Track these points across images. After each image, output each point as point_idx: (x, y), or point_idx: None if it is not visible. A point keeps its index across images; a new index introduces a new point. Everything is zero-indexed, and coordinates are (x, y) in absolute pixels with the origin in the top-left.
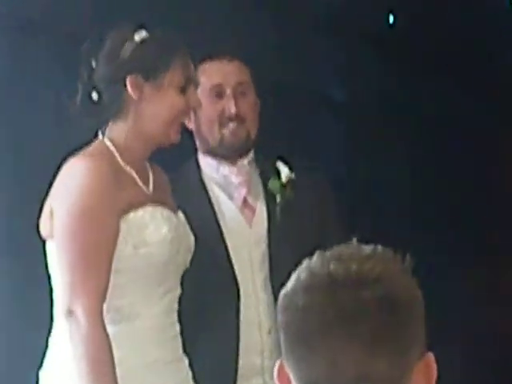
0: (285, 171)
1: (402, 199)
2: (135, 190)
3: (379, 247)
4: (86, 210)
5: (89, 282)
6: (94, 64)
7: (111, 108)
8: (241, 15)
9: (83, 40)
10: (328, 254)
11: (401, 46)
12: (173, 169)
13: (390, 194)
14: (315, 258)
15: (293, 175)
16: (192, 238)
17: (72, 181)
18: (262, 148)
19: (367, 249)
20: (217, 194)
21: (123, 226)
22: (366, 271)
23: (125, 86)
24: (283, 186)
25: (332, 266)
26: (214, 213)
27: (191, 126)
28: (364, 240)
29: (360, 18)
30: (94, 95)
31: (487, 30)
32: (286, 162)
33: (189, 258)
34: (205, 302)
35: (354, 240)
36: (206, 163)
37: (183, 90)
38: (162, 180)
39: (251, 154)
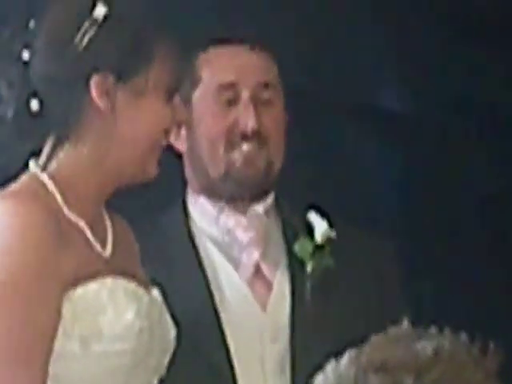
0: (321, 227)
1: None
2: (85, 251)
3: (446, 340)
4: (6, 281)
5: None
6: (26, 56)
7: (60, 123)
8: None
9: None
10: (364, 357)
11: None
12: (144, 219)
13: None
14: (345, 363)
15: (333, 233)
16: (172, 329)
17: None
18: (287, 188)
19: (427, 347)
20: (214, 257)
21: (66, 307)
22: (406, 358)
23: (85, 90)
24: (318, 248)
25: (372, 381)
26: (209, 288)
27: (181, 146)
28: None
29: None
30: (34, 104)
31: None
32: (322, 213)
33: (166, 360)
34: None
35: (405, 323)
36: (200, 209)
37: (170, 97)
38: (125, 237)
39: (271, 198)
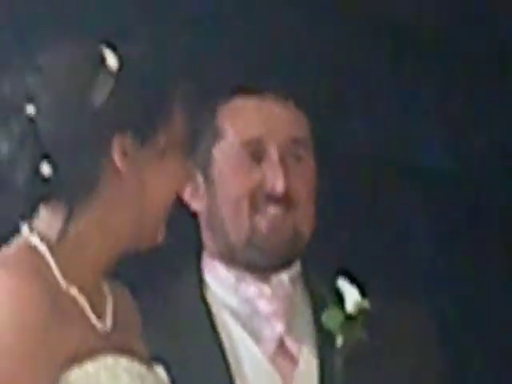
0: (352, 295)
1: None
2: (82, 326)
3: None
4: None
5: None
6: (31, 110)
7: (75, 188)
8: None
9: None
10: None
11: None
12: (153, 286)
13: None
14: None
15: (366, 303)
16: None
17: None
18: (314, 252)
19: None
20: (232, 330)
21: None
22: None
23: (103, 152)
24: (349, 319)
25: None
26: (226, 364)
27: (198, 206)
28: None
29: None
30: (46, 169)
31: None
32: (353, 280)
33: None
34: None
35: None
36: (217, 275)
37: (187, 153)
38: (126, 308)
39: (297, 265)
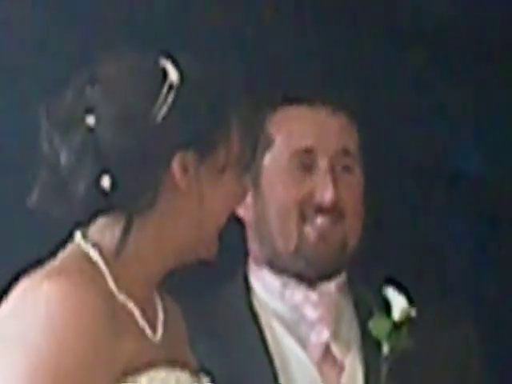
0: (399, 303)
1: None
2: (136, 337)
3: None
4: (57, 373)
5: None
6: (91, 121)
7: (134, 202)
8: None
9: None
10: None
11: None
12: (200, 294)
13: None
14: None
15: (413, 311)
16: None
17: (33, 319)
18: (360, 261)
19: None
20: (279, 336)
21: None
22: None
23: (164, 167)
24: (396, 327)
25: None
26: (274, 370)
27: (245, 214)
28: None
29: None
30: (106, 181)
31: None
32: (401, 288)
33: None
34: None
35: None
36: (264, 283)
37: (246, 169)
38: (176, 321)
39: (343, 274)
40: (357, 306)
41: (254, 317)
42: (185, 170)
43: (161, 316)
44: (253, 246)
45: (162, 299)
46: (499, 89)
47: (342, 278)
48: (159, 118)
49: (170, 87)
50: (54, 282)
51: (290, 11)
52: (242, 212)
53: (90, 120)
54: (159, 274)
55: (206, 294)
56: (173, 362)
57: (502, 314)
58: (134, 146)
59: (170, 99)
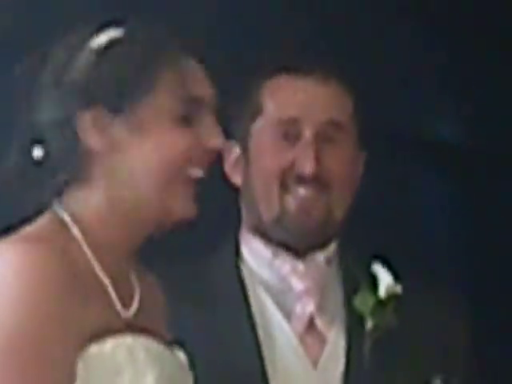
0: (385, 280)
1: None
2: (104, 307)
3: None
4: (15, 337)
5: None
6: (35, 98)
7: (65, 168)
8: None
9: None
10: None
11: None
12: (191, 258)
13: None
14: None
15: (398, 288)
16: None
17: None
18: (350, 236)
19: None
20: (264, 304)
21: (81, 367)
22: None
23: (75, 130)
24: (381, 304)
25: None
26: (256, 338)
27: (238, 179)
28: None
29: None
30: (37, 152)
31: None
32: (388, 265)
33: None
34: None
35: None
36: (253, 250)
37: (187, 120)
38: (152, 292)
39: (333, 247)
40: (344, 280)
41: (242, 284)
42: (98, 128)
43: (137, 291)
44: (243, 212)
45: (139, 274)
46: (478, 51)
47: (331, 250)
48: (75, 77)
49: (93, 50)
50: (18, 250)
51: None
52: (234, 178)
53: (35, 97)
54: (129, 243)
55: (198, 260)
56: (142, 332)
57: (489, 289)
58: (57, 110)
59: (85, 62)
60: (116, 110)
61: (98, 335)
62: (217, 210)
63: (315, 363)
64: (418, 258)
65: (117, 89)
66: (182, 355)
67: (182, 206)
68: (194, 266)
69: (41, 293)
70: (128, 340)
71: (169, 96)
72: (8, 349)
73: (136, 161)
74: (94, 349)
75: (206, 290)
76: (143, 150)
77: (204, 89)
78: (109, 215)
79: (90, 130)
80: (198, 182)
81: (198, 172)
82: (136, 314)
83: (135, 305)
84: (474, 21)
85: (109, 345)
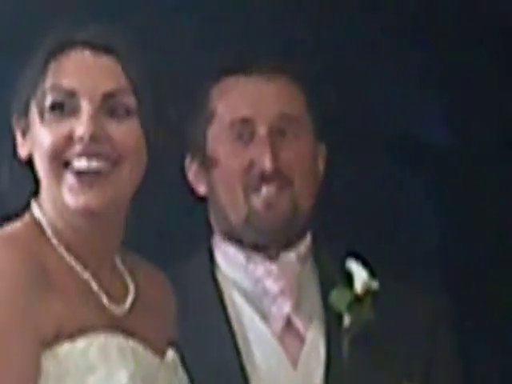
0: (361, 276)
1: None
2: (89, 303)
3: None
4: None
5: None
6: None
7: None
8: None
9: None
10: None
11: None
12: (166, 267)
13: None
14: None
15: (375, 284)
16: None
17: None
18: (325, 233)
19: None
20: (241, 309)
21: (52, 364)
22: None
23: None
24: (357, 300)
25: None
26: (235, 343)
27: (202, 188)
28: None
29: None
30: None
31: None
32: (363, 261)
33: None
34: None
35: None
36: (227, 255)
37: (58, 112)
38: (156, 296)
39: (306, 243)
40: (320, 277)
41: (217, 289)
42: (19, 132)
43: (131, 291)
44: (212, 219)
45: (138, 275)
46: (463, 54)
47: (303, 248)
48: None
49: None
50: None
51: None
52: (198, 187)
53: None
54: (86, 239)
55: (172, 268)
56: (131, 334)
57: (467, 285)
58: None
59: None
60: (19, 113)
61: (72, 330)
62: (190, 218)
63: (295, 363)
64: (394, 256)
65: (24, 91)
66: (170, 355)
67: (71, 197)
68: (170, 273)
69: (4, 287)
70: (101, 339)
71: (41, 89)
72: None
73: (36, 158)
74: (65, 346)
75: (181, 297)
76: (33, 149)
77: (77, 81)
78: (59, 216)
79: (19, 138)
80: (95, 173)
81: (79, 162)
82: (128, 313)
83: (127, 305)
84: (459, 20)
85: (81, 343)
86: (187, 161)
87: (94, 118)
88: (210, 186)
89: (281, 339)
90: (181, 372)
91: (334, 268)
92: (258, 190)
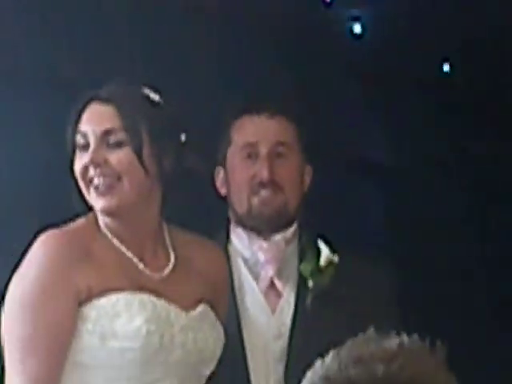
0: (325, 252)
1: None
2: (118, 271)
3: (405, 339)
4: (23, 297)
5: (26, 371)
6: None
7: None
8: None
9: None
10: (345, 353)
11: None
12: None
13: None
14: (330, 359)
15: (335, 258)
16: (212, 339)
17: (26, 256)
18: (307, 225)
19: (391, 343)
20: (241, 271)
21: (92, 311)
22: (395, 374)
23: None
24: (319, 269)
25: (352, 371)
26: (234, 294)
27: (223, 191)
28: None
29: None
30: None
31: None
32: (327, 242)
33: (205, 357)
34: None
35: (371, 331)
36: (237, 235)
37: (83, 148)
38: (206, 263)
39: (291, 230)
40: (299, 254)
41: (228, 257)
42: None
43: (172, 259)
44: (229, 212)
45: (183, 246)
46: (403, 93)
47: (289, 233)
48: None
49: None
50: (43, 235)
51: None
52: (222, 190)
53: None
54: (128, 226)
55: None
56: (158, 293)
57: (412, 259)
58: None
59: None
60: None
61: (108, 290)
62: (214, 210)
63: (274, 311)
64: (355, 239)
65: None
66: (199, 309)
67: (94, 202)
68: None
69: (50, 257)
70: (127, 295)
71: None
72: (22, 301)
73: None
74: (102, 300)
75: None
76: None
77: (88, 125)
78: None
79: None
80: (104, 186)
81: (94, 180)
82: (166, 278)
83: (165, 272)
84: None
85: (112, 297)
86: (216, 171)
87: (96, 149)
88: (228, 189)
89: (265, 293)
90: (211, 321)
91: (308, 247)
92: (257, 193)
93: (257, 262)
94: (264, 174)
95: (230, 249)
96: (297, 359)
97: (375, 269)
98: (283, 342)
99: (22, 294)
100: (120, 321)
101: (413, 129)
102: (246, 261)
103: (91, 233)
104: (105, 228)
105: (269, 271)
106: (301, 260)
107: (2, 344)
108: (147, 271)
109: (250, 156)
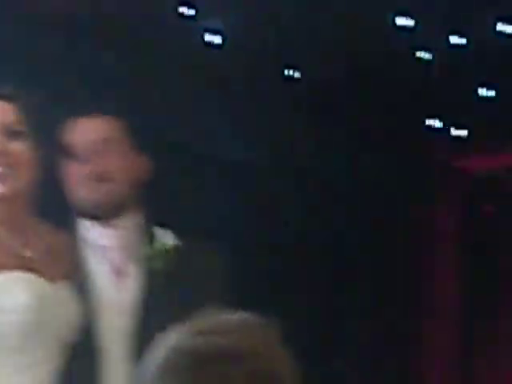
0: (162, 238)
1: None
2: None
3: (246, 316)
4: None
5: None
6: None
7: None
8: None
9: None
10: (189, 327)
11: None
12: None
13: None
14: (178, 332)
15: (175, 242)
16: (70, 310)
17: None
18: (153, 216)
19: (232, 320)
20: (88, 256)
21: None
22: (231, 346)
23: None
24: (155, 253)
25: (197, 341)
26: (85, 277)
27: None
28: None
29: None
30: None
31: None
32: (165, 229)
33: (66, 330)
34: (71, 373)
35: (211, 308)
36: (82, 223)
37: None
38: (57, 247)
39: (131, 217)
40: (142, 239)
41: (77, 244)
42: None
43: (39, 242)
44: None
45: (43, 233)
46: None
47: (131, 220)
48: None
49: None
50: None
51: None
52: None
53: None
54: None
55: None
56: (33, 269)
57: (248, 245)
58: None
59: None
60: None
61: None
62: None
63: (118, 287)
64: (198, 226)
65: None
66: (61, 283)
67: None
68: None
69: None
70: (6, 273)
71: None
72: None
73: None
74: None
75: None
76: None
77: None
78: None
79: None
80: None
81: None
82: (34, 256)
83: (33, 252)
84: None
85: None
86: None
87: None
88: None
89: (112, 275)
90: (72, 295)
91: (150, 233)
92: (85, 185)
93: (99, 247)
94: (87, 169)
95: (78, 236)
96: (143, 332)
97: (214, 253)
98: (128, 318)
99: None
100: (3, 296)
101: (259, 128)
102: (91, 246)
103: None
104: None
105: (113, 254)
106: (145, 244)
107: None
108: (21, 251)
109: (72, 154)
